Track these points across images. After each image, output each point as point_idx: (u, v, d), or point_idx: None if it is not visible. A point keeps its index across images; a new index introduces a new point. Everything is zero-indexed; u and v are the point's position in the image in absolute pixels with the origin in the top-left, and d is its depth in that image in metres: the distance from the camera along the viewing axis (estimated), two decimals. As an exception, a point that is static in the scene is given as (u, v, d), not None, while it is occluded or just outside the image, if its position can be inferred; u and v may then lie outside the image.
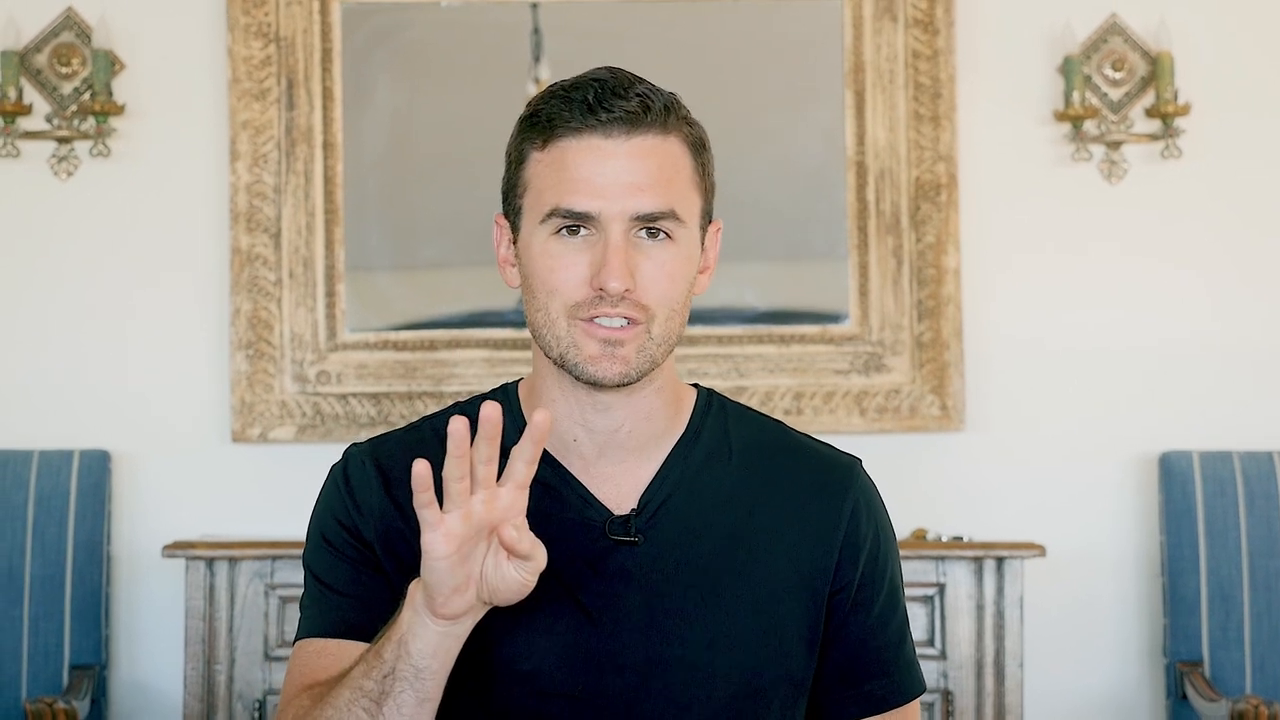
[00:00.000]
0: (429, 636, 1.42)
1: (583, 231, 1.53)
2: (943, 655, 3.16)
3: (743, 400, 3.20)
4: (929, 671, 3.08)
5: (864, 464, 1.68)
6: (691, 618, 1.55)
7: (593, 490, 1.58)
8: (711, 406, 1.66)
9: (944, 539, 3.27)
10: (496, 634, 1.52)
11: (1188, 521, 3.36)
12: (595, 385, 1.54)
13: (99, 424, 3.49)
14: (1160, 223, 3.57)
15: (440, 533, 1.37)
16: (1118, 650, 3.52)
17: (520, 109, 1.60)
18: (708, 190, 1.60)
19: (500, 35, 3.57)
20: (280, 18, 3.51)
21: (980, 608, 3.16)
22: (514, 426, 1.56)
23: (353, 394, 3.49)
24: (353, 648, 1.53)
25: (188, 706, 3.15)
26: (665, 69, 2.06)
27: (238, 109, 3.49)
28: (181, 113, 3.55)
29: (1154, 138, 3.53)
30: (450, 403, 1.79)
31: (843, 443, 1.80)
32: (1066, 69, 3.50)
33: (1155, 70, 3.50)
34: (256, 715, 3.13)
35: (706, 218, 1.60)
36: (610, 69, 1.56)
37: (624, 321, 1.52)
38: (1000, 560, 3.17)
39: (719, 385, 3.20)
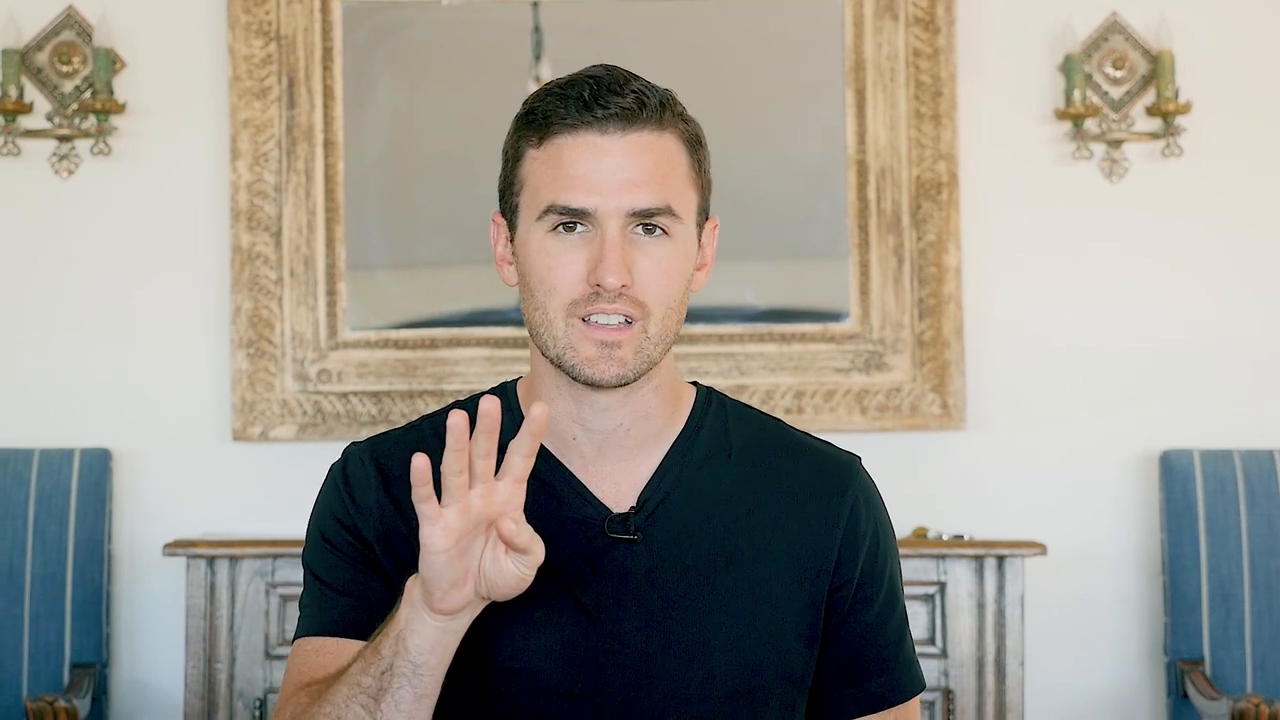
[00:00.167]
0: (427, 632, 1.42)
1: (579, 228, 1.53)
2: (943, 654, 3.16)
3: (744, 399, 3.21)
4: (930, 670, 3.08)
5: (864, 462, 1.68)
6: (690, 616, 1.55)
7: (591, 488, 1.58)
8: (711, 404, 1.66)
9: (945, 537, 3.27)
10: (495, 631, 1.52)
11: (1188, 520, 3.36)
12: (593, 386, 1.54)
13: (100, 422, 3.49)
14: (1161, 221, 3.56)
15: (438, 527, 1.37)
16: (1118, 649, 3.52)
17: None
18: (704, 187, 1.59)
19: (501, 34, 3.57)
20: (281, 16, 3.51)
21: (981, 606, 3.16)
22: (512, 424, 1.55)
23: (353, 392, 3.49)
24: (352, 646, 1.52)
25: (188, 705, 3.15)
26: (666, 67, 2.06)
27: (238, 107, 3.49)
28: (182, 111, 3.55)
29: (1155, 136, 3.52)
30: (450, 401, 1.79)
31: (843, 441, 1.80)
32: (1067, 67, 3.49)
33: (1156, 69, 3.50)
34: (257, 713, 3.13)
35: (703, 214, 1.60)
36: (606, 66, 1.56)
37: (621, 320, 1.52)
38: (1001, 559, 3.17)
39: (720, 384, 3.19)
